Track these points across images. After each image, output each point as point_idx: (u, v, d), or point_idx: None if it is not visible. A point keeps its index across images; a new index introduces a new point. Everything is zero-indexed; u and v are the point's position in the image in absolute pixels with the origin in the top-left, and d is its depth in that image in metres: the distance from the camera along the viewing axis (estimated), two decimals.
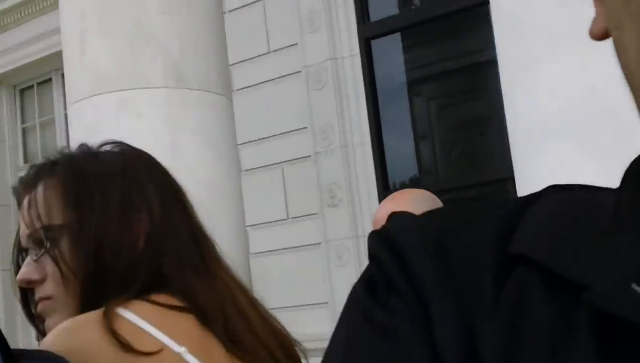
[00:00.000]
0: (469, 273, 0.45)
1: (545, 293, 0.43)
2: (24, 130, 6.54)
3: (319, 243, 4.53)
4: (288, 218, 4.75)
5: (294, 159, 4.77)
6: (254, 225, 4.56)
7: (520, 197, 0.49)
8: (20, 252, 1.06)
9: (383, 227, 0.50)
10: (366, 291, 0.47)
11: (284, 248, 4.70)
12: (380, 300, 0.46)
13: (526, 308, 0.43)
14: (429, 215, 0.50)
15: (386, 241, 0.47)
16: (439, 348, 0.43)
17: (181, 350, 0.92)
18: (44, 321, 1.02)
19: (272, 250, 4.72)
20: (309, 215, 4.64)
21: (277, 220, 4.77)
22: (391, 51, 4.91)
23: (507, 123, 3.20)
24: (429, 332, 0.43)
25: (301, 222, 4.68)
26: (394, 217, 0.51)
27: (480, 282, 0.44)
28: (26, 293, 1.05)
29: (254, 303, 1.08)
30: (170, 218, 1.03)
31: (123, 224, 0.99)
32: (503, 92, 2.82)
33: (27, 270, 1.01)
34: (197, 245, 1.05)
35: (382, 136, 4.65)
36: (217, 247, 1.09)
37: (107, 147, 1.07)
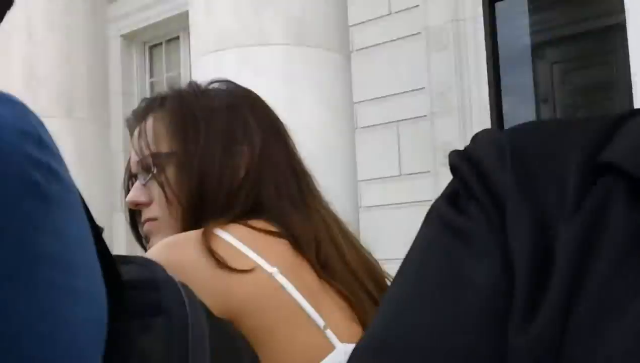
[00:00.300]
0: (551, 179, 0.45)
1: (631, 202, 0.42)
2: (152, 85, 6.79)
3: (431, 200, 4.48)
4: (401, 174, 4.74)
5: (409, 118, 4.73)
6: (367, 180, 4.57)
7: (620, 112, 0.49)
8: (130, 178, 1.13)
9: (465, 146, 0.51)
10: (447, 202, 0.48)
11: (395, 203, 4.69)
12: (459, 209, 0.47)
13: (608, 215, 0.42)
14: (512, 128, 0.50)
15: (465, 155, 0.48)
16: (512, 252, 0.43)
17: (273, 270, 0.96)
18: (149, 242, 1.10)
19: (384, 205, 4.72)
20: (422, 173, 4.62)
21: (389, 176, 4.77)
22: (515, 13, 4.77)
23: (633, 89, 3.06)
24: (504, 235, 0.44)
25: (414, 179, 4.66)
26: (475, 135, 0.51)
27: (563, 187, 0.44)
28: (134, 216, 1.13)
29: (348, 235, 1.11)
30: (271, 152, 1.07)
31: (226, 156, 1.04)
32: (631, 56, 2.70)
33: (136, 193, 1.09)
34: (295, 178, 1.09)
35: (501, 99, 4.54)
36: (315, 182, 1.13)
37: (215, 85, 1.12)
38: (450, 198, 0.48)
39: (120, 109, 6.35)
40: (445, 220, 0.47)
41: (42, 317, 0.51)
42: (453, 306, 0.44)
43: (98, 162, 5.69)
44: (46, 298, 0.51)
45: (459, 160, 0.48)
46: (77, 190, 0.59)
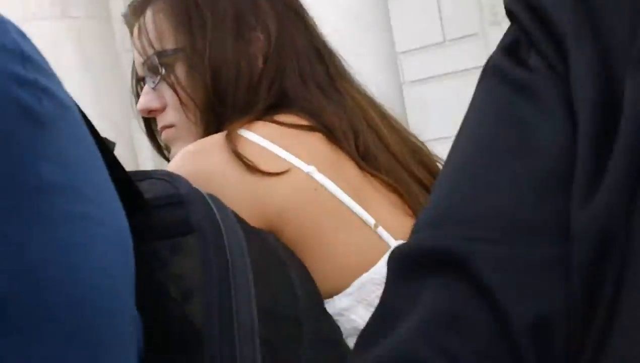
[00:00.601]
0: (620, 19, 0.44)
1: None
2: None
3: (480, 66, 4.40)
4: (445, 41, 4.63)
5: None
6: (406, 51, 4.47)
7: None
8: (138, 83, 1.12)
9: None
10: (505, 54, 0.48)
11: (442, 74, 4.60)
12: (519, 60, 0.46)
13: None
14: None
15: None
16: (575, 100, 0.42)
17: (310, 168, 0.95)
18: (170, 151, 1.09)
19: (429, 78, 4.64)
20: (468, 36, 4.49)
21: (432, 44, 4.65)
22: None
23: None
24: (568, 85, 0.43)
25: (460, 44, 4.54)
26: None
27: (629, 29, 0.43)
28: (150, 125, 1.12)
29: (389, 120, 1.08)
30: (289, 35, 1.04)
31: (239, 45, 1.01)
32: None
33: (147, 99, 1.07)
34: (320, 61, 1.06)
35: None
36: (343, 63, 1.10)
37: None
38: (509, 49, 0.48)
39: (121, 1, 6.23)
40: (504, 73, 0.47)
41: (58, 249, 0.51)
42: (516, 171, 0.43)
43: (105, 65, 5.58)
44: (58, 230, 0.51)
45: (515, 4, 0.48)
46: (75, 104, 0.58)
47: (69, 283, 0.51)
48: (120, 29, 6.00)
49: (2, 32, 0.52)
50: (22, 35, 0.54)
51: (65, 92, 0.57)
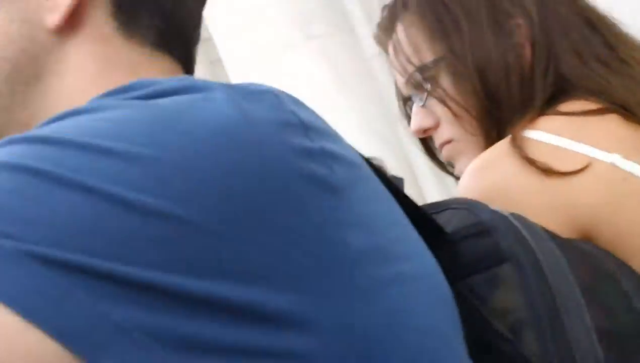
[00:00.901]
0: None
1: None
2: None
3: None
4: None
5: None
6: None
7: None
8: (405, 103, 1.14)
9: None
10: None
11: None
12: None
13: None
14: None
15: None
16: None
17: (613, 157, 0.90)
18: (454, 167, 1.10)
19: None
20: None
21: None
22: None
23: None
24: None
25: None
26: None
27: None
28: (428, 144, 1.14)
29: None
30: (552, 11, 1.01)
31: (500, 38, 1.00)
32: None
33: (418, 118, 1.08)
34: (594, 31, 1.02)
35: None
36: (619, 26, 1.05)
37: None
38: None
39: (357, 6, 6.31)
40: None
41: (383, 320, 0.51)
42: None
43: (359, 77, 5.67)
44: (379, 299, 0.52)
45: None
46: (358, 156, 0.59)
47: (400, 354, 0.52)
48: (364, 35, 6.08)
49: (281, 108, 0.53)
50: (295, 101, 0.56)
51: (346, 146, 0.58)
